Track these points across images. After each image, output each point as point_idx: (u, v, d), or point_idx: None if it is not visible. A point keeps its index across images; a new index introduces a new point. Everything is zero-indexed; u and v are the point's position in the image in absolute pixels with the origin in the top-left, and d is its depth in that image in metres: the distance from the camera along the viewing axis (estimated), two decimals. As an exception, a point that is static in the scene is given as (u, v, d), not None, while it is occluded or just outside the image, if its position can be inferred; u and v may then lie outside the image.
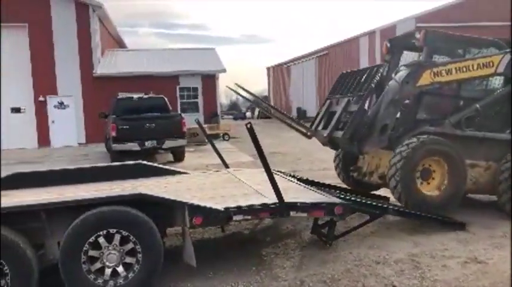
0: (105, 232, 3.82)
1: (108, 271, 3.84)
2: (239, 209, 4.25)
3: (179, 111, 17.58)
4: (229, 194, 4.85)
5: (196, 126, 14.24)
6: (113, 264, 3.85)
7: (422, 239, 5.14)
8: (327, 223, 5.05)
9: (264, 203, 4.39)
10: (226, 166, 6.76)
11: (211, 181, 5.88)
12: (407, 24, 22.31)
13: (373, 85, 5.86)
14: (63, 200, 3.95)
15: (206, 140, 16.84)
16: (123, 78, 20.40)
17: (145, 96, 14.61)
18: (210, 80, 21.74)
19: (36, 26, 20.07)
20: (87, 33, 20.57)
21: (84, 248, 3.76)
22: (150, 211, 3.98)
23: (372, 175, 6.35)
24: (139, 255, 3.88)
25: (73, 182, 5.61)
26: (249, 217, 4.38)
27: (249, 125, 4.09)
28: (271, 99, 40.57)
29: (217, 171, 6.89)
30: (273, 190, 4.29)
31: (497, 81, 6.31)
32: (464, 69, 5.74)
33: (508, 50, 5.97)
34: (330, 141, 6.15)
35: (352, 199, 5.17)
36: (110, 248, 3.84)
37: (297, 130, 6.48)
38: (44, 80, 20.11)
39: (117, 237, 3.85)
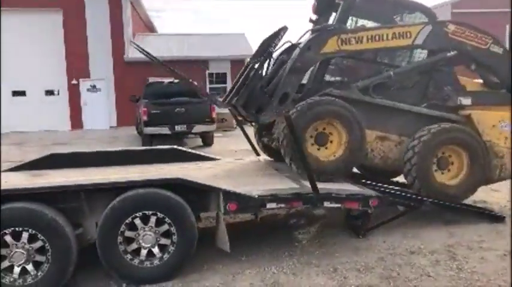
0: (141, 213, 3.87)
1: (143, 252, 3.91)
2: (273, 197, 4.25)
3: (208, 97, 17.61)
4: (261, 182, 4.85)
5: (225, 111, 14.40)
6: (148, 245, 3.91)
7: (458, 230, 5.03)
8: (360, 214, 4.99)
9: (298, 192, 4.37)
10: (257, 154, 6.75)
11: (243, 167, 5.89)
12: (443, 10, 21.65)
13: (271, 49, 5.18)
14: (103, 181, 4.02)
15: (235, 126, 17.03)
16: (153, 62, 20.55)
17: (176, 81, 14.71)
18: (239, 65, 21.69)
19: (70, 11, 20.41)
20: (119, 18, 20.81)
21: (121, 229, 3.83)
22: (186, 195, 4.02)
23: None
24: (174, 237, 3.93)
25: (108, 164, 5.71)
26: (283, 205, 4.37)
27: (286, 113, 4.05)
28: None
29: (247, 158, 6.89)
30: (307, 179, 4.26)
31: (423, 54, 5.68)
32: (377, 38, 5.08)
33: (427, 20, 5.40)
34: (231, 110, 5.69)
35: (387, 190, 5.09)
36: (146, 229, 3.90)
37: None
38: (77, 64, 20.50)
39: (153, 219, 3.90)
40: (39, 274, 3.64)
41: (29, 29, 20.53)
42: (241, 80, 5.26)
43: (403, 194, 5.16)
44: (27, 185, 4.01)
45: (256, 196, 4.17)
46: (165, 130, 12.88)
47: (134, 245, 3.89)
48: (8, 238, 3.58)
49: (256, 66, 5.04)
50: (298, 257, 4.37)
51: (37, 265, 3.66)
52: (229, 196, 4.11)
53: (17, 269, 3.63)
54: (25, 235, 3.61)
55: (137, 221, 3.88)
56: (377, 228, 5.01)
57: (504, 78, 5.44)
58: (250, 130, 6.55)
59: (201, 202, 4.27)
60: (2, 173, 5.54)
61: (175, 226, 3.93)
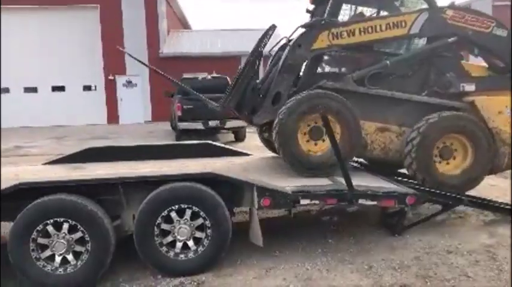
0: (177, 206, 3.93)
1: (179, 245, 3.97)
2: (307, 193, 4.23)
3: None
4: (295, 178, 4.82)
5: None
6: (183, 238, 3.96)
7: (498, 230, 4.87)
8: (396, 212, 4.91)
9: (333, 189, 4.33)
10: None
11: (276, 163, 5.87)
12: (483, 4, 20.93)
13: (261, 49, 5.13)
14: (140, 175, 4.11)
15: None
16: (188, 58, 20.85)
17: (209, 76, 14.83)
18: (272, 60, 21.66)
19: (107, 7, 20.88)
20: (155, 14, 21.14)
21: (157, 222, 3.90)
22: (220, 189, 4.05)
23: None
24: (209, 230, 3.97)
25: (143, 158, 5.81)
26: (317, 202, 4.34)
27: (321, 111, 4.01)
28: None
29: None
30: (342, 177, 4.21)
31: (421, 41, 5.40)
32: (370, 30, 4.88)
33: (424, 7, 5.09)
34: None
35: (423, 188, 4.96)
36: (181, 222, 3.95)
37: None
38: (113, 60, 20.96)
39: (188, 212, 3.96)
40: (78, 263, 3.76)
41: (67, 26, 21.14)
42: (233, 82, 5.22)
43: (441, 192, 5.02)
44: (68, 177, 4.12)
45: (290, 192, 4.16)
46: (198, 125, 13.00)
47: (170, 238, 3.96)
48: (50, 228, 3.71)
49: (246, 67, 5.02)
50: (332, 254, 4.34)
51: (77, 255, 3.78)
52: (262, 191, 4.12)
53: (58, 259, 3.75)
54: (66, 226, 3.73)
55: (173, 214, 3.94)
56: (413, 226, 4.91)
57: (509, 62, 5.15)
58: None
59: (235, 196, 4.29)
60: (43, 166, 5.75)
61: (210, 219, 3.97)
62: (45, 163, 5.88)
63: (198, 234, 3.99)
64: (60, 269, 3.74)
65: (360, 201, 4.31)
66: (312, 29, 4.91)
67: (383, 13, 5.60)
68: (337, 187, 4.36)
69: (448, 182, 4.87)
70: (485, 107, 5.03)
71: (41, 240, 3.71)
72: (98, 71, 21.39)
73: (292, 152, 4.68)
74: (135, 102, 21.25)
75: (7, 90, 21.57)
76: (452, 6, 5.11)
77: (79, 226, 3.73)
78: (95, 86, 21.85)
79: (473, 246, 4.45)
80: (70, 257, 3.76)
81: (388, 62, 4.99)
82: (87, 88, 21.94)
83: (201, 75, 14.71)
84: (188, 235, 3.97)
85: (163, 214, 3.91)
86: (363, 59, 5.17)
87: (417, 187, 4.84)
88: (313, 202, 4.27)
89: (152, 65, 22.36)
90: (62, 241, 3.72)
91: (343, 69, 5.27)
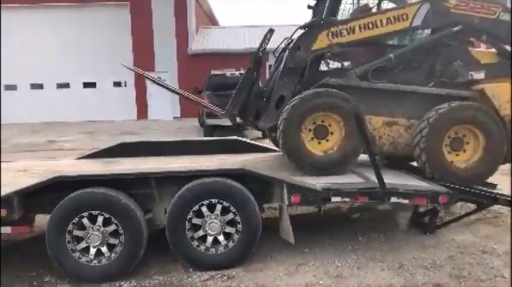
0: (207, 201, 3.97)
1: (209, 239, 4.01)
2: (338, 191, 4.20)
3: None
4: (325, 175, 4.78)
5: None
6: (214, 232, 4.00)
7: (535, 231, 4.73)
8: (428, 211, 4.82)
9: (365, 187, 4.28)
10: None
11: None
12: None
13: (259, 54, 5.09)
14: (173, 170, 4.17)
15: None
16: (216, 54, 20.95)
17: (237, 73, 14.88)
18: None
19: (137, 4, 21.19)
20: (184, 11, 21.33)
21: (189, 216, 3.95)
22: (250, 185, 4.08)
23: None
24: (239, 225, 4.00)
25: (173, 153, 5.89)
26: (347, 200, 4.30)
27: (354, 107, 3.97)
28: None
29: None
30: (374, 174, 4.17)
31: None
32: (371, 25, 4.77)
33: None
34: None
35: (458, 187, 4.84)
36: (212, 217, 3.99)
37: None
38: (142, 56, 21.26)
39: (219, 207, 3.99)
40: (112, 255, 3.85)
41: (98, 23, 21.56)
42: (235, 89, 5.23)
43: (475, 191, 4.90)
44: (103, 171, 4.23)
45: (320, 189, 4.14)
46: (226, 121, 13.03)
47: (201, 232, 4.00)
48: (85, 221, 3.81)
49: (246, 72, 5.01)
50: (362, 252, 4.31)
51: (111, 247, 3.87)
52: (292, 188, 4.11)
53: (92, 250, 3.85)
54: (100, 219, 3.82)
55: (204, 209, 3.98)
56: (446, 226, 4.82)
57: None
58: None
59: (265, 193, 4.29)
60: (77, 160, 5.91)
61: (240, 215, 3.99)
62: (79, 158, 6.04)
63: (229, 229, 4.03)
64: (95, 261, 3.83)
65: (392, 199, 4.25)
66: (310, 30, 4.86)
67: (387, 4, 5.49)
68: (368, 184, 4.31)
69: (459, 173, 4.69)
70: (496, 95, 4.84)
71: (76, 232, 3.82)
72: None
73: (295, 151, 4.63)
74: (164, 99, 21.48)
75: (41, 86, 22.20)
76: None
77: (113, 219, 3.82)
78: (125, 82, 22.23)
79: (510, 247, 4.33)
80: (104, 249, 3.85)
81: (391, 55, 4.87)
82: (117, 84, 22.35)
83: (229, 72, 14.78)
84: (219, 229, 4.01)
85: (194, 208, 3.96)
86: (366, 53, 5.07)
87: (452, 185, 4.73)
88: (343, 199, 4.24)
89: (181, 62, 22.54)
90: (96, 233, 3.82)
91: (346, 65, 5.20)
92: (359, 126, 4.16)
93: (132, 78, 21.83)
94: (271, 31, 5.11)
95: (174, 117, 21.56)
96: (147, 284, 3.74)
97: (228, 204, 3.99)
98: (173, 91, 5.88)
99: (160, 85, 5.81)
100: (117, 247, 3.85)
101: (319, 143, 4.72)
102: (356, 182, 4.45)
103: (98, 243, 3.83)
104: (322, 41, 4.79)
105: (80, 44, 21.38)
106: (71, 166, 5.38)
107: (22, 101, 21.43)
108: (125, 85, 22.26)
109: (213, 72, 15.84)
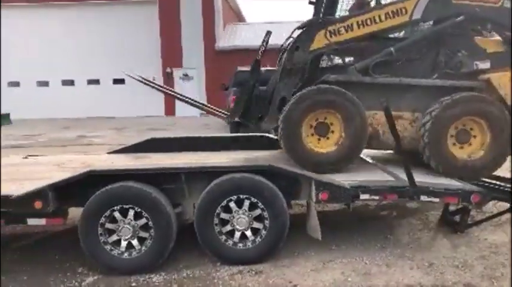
0: (235, 197, 4.01)
1: (237, 234, 4.04)
2: (366, 189, 4.15)
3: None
4: (354, 172, 4.74)
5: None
6: (242, 228, 4.03)
7: None
8: (459, 209, 4.73)
9: (394, 185, 4.23)
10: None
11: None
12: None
13: (258, 57, 5.03)
14: (202, 165, 4.23)
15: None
16: (243, 51, 20.97)
17: (263, 69, 14.87)
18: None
19: (165, 3, 21.44)
20: (211, 8, 21.46)
21: (217, 211, 4.00)
22: (278, 181, 4.08)
23: None
24: (267, 221, 4.01)
25: (201, 149, 5.95)
26: (376, 198, 4.26)
27: (384, 104, 3.93)
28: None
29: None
30: (404, 172, 4.11)
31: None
32: (369, 22, 4.65)
33: None
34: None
35: (491, 186, 4.74)
36: (239, 212, 4.02)
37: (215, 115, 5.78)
38: (170, 53, 21.55)
39: (247, 203, 4.01)
40: (142, 248, 3.92)
41: (127, 20, 21.93)
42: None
43: (509, 189, 4.78)
44: (135, 166, 4.31)
45: (349, 187, 4.12)
46: (253, 118, 13.09)
47: (229, 227, 4.04)
48: (117, 214, 3.90)
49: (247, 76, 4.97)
50: (391, 250, 4.27)
51: (141, 240, 3.94)
52: (321, 185, 4.10)
53: (123, 243, 3.93)
54: (131, 212, 3.90)
55: (232, 204, 4.01)
56: (478, 225, 4.72)
57: None
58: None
59: (292, 189, 4.29)
60: (108, 155, 6.04)
61: (268, 210, 4.01)
62: (110, 152, 6.18)
63: (256, 225, 4.04)
64: (126, 254, 3.92)
65: (422, 198, 4.18)
66: (307, 30, 4.81)
67: None
68: (398, 182, 4.26)
69: (465, 166, 4.55)
70: (502, 84, 4.67)
71: (108, 225, 3.91)
72: (155, 64, 22.04)
73: (295, 148, 4.57)
74: (191, 95, 21.51)
75: (72, 83, 22.75)
76: None
77: (144, 213, 3.89)
78: (153, 79, 22.54)
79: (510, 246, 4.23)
80: (135, 242, 3.93)
81: (392, 49, 4.73)
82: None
83: (264, 68, 14.77)
84: (246, 225, 4.03)
85: (222, 203, 4.00)
86: (367, 48, 4.89)
87: (485, 184, 4.63)
88: (372, 197, 4.20)
89: (208, 59, 22.74)
90: (127, 226, 3.90)
91: (347, 61, 5.06)
92: (389, 123, 4.10)
93: (160, 76, 22.13)
94: (268, 33, 5.07)
95: (200, 114, 21.71)
96: (176, 277, 3.80)
97: (256, 200, 4.01)
98: (171, 95, 5.92)
99: (160, 89, 5.88)
100: (148, 240, 3.92)
101: (320, 140, 4.65)
102: (385, 179, 4.41)
103: (129, 236, 3.91)
104: (320, 40, 4.72)
105: (110, 41, 21.80)
106: (102, 161, 5.52)
107: (54, 97, 22.02)
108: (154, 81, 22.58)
109: (240, 68, 15.90)
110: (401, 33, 5.05)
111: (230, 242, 4.03)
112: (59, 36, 21.93)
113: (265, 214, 4.01)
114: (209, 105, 6.05)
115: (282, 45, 5.36)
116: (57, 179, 3.93)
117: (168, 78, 21.98)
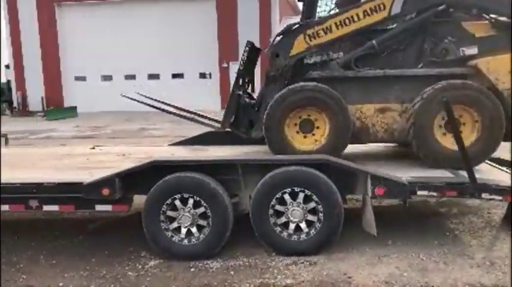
0: (290, 189, 4.07)
1: (292, 226, 4.11)
2: (425, 185, 4.09)
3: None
4: (411, 168, 4.66)
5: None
6: (296, 220, 4.09)
7: None
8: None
9: (453, 182, 4.13)
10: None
11: (390, 153, 5.74)
12: None
13: (240, 67, 5.07)
14: (259, 158, 4.35)
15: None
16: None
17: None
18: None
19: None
20: (268, 2, 21.55)
21: (272, 203, 4.08)
22: (333, 175, 4.10)
23: None
24: (321, 214, 4.05)
25: (256, 143, 6.05)
26: (435, 194, 4.18)
27: (445, 99, 3.84)
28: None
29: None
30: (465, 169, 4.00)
31: None
32: (348, 21, 4.62)
33: None
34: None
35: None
36: (294, 204, 4.08)
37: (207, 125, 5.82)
38: (227, 48, 21.88)
39: (301, 195, 4.06)
40: (201, 236, 4.10)
41: (185, 16, 22.49)
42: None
43: None
44: (195, 158, 4.49)
45: (407, 183, 4.06)
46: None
47: (283, 219, 4.11)
48: (177, 203, 4.09)
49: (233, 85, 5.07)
50: (449, 247, 4.17)
51: (200, 228, 4.11)
52: (377, 180, 4.07)
53: (183, 230, 4.12)
54: (191, 201, 4.08)
55: (286, 197, 4.08)
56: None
57: (510, 16, 4.45)
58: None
59: (347, 183, 4.28)
60: (169, 147, 6.30)
61: (322, 204, 4.04)
62: (170, 144, 6.44)
63: (311, 217, 4.09)
64: (185, 240, 4.11)
65: (483, 195, 4.05)
66: (286, 36, 4.82)
67: None
68: (457, 179, 4.15)
69: (453, 156, 4.33)
70: (491, 69, 4.46)
71: (169, 213, 4.11)
72: (212, 59, 22.48)
73: (279, 146, 4.64)
74: (247, 88, 22.03)
75: (133, 77, 23.70)
76: None
77: (202, 202, 4.05)
78: (210, 74, 23.04)
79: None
80: (194, 229, 4.11)
81: (374, 42, 4.67)
82: (202, 76, 23.24)
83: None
84: (301, 217, 4.09)
85: (277, 195, 4.08)
86: (349, 42, 4.85)
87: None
88: (431, 193, 4.12)
89: (264, 53, 22.86)
90: (187, 214, 4.08)
91: (326, 57, 4.96)
92: (449, 117, 3.99)
93: (217, 71, 22.56)
94: (248, 43, 5.14)
95: (255, 108, 22.00)
96: (232, 265, 3.94)
97: (310, 193, 4.05)
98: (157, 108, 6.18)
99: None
100: (206, 228, 4.08)
101: (305, 137, 4.71)
102: (444, 176, 4.31)
103: (188, 224, 4.10)
104: (299, 44, 4.77)
105: (167, 36, 22.47)
106: (164, 152, 5.77)
107: (117, 90, 23.05)
108: (210, 77, 23.06)
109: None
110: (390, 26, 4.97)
111: (285, 233, 4.11)
112: (122, 33, 22.88)
113: (320, 207, 4.05)
114: (203, 113, 6.11)
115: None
116: (124, 169, 4.18)
117: (225, 72, 22.35)
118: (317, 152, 4.57)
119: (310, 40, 4.74)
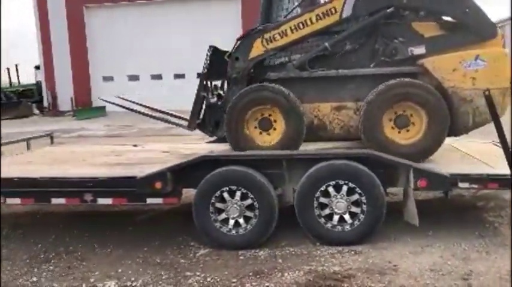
0: (334, 182, 4.23)
1: (335, 217, 4.27)
2: (466, 177, 4.21)
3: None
4: (452, 161, 4.77)
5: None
6: (340, 211, 4.25)
7: None
8: None
9: (495, 174, 4.23)
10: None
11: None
12: None
13: (203, 71, 5.23)
14: (303, 152, 4.54)
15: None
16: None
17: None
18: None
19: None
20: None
21: (316, 195, 4.25)
22: (375, 169, 4.25)
23: None
24: (364, 206, 4.20)
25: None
26: (476, 186, 4.29)
27: (487, 92, 3.94)
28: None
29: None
30: (506, 162, 4.07)
31: None
32: (302, 25, 4.82)
33: None
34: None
35: None
36: (338, 197, 4.24)
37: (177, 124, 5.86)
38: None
39: (345, 188, 4.22)
40: (248, 227, 4.30)
41: (211, 16, 22.78)
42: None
43: None
44: (243, 153, 4.68)
45: (448, 175, 4.18)
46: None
47: (327, 211, 4.28)
48: (226, 195, 4.30)
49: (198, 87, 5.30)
50: (490, 238, 4.28)
51: (247, 219, 4.31)
52: (420, 172, 4.19)
53: (231, 222, 4.33)
54: (238, 193, 4.28)
55: (330, 189, 4.25)
56: None
57: (457, 17, 4.64)
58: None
59: (390, 177, 4.41)
60: (206, 144, 6.51)
61: (365, 196, 4.19)
62: (208, 142, 6.65)
63: (354, 209, 4.24)
64: (233, 231, 4.31)
65: (526, 187, 4.14)
66: (245, 40, 5.03)
67: None
68: (498, 171, 4.24)
69: (400, 151, 4.53)
70: (437, 68, 4.62)
71: (218, 205, 4.32)
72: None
73: (239, 143, 4.86)
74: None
75: (160, 77, 24.10)
76: None
77: (249, 194, 4.26)
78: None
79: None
80: (241, 220, 4.31)
81: (327, 44, 4.85)
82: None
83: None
84: (344, 209, 4.25)
85: (321, 188, 4.25)
86: (305, 44, 5.04)
87: None
88: (472, 185, 4.24)
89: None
90: (235, 206, 4.29)
91: (287, 59, 5.16)
92: (491, 111, 4.09)
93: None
94: (210, 48, 5.34)
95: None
96: (279, 253, 4.13)
97: (354, 185, 4.20)
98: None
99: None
100: (252, 219, 4.28)
101: (262, 133, 4.91)
102: (484, 168, 4.41)
103: (236, 215, 4.30)
104: (258, 48, 4.97)
105: (195, 36, 22.77)
106: (203, 149, 5.98)
107: (143, 90, 23.49)
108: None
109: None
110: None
111: (329, 224, 4.27)
112: (148, 33, 23.29)
113: (363, 199, 4.20)
114: (176, 113, 6.24)
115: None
116: (175, 163, 4.41)
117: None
118: (274, 148, 4.80)
119: (268, 44, 4.97)
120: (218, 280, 3.68)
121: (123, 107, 6.38)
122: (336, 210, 4.27)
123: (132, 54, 23.40)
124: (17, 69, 25.48)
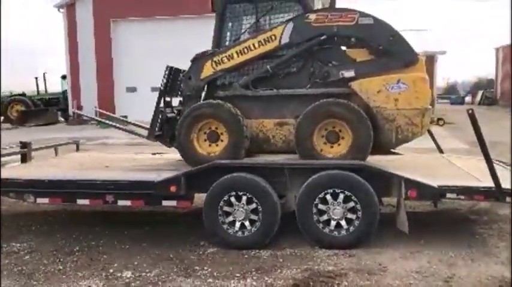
0: (331, 190, 4.63)
1: (333, 223, 4.65)
2: (453, 188, 4.56)
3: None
4: (442, 175, 5.12)
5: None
6: (337, 217, 4.63)
7: None
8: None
9: (479, 186, 4.57)
10: (441, 151, 6.88)
11: (426, 162, 6.19)
12: None
13: (161, 87, 5.71)
14: (302, 162, 4.96)
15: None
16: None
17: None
18: (428, 61, 20.96)
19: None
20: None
21: (315, 202, 4.65)
22: (370, 179, 4.62)
23: None
24: (359, 213, 4.58)
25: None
26: (462, 197, 4.64)
27: (470, 111, 4.30)
28: (498, 85, 36.48)
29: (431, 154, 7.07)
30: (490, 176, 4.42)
31: None
32: (246, 50, 5.35)
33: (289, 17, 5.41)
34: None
35: None
36: (335, 204, 4.63)
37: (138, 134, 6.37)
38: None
39: (341, 196, 4.61)
40: (253, 229, 4.71)
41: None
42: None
43: None
44: (250, 161, 5.11)
45: (436, 186, 4.54)
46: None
47: (325, 217, 4.67)
48: (233, 199, 4.73)
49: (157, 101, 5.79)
50: (478, 248, 4.59)
51: (252, 222, 4.73)
52: (410, 183, 4.57)
53: (237, 224, 4.76)
54: (244, 198, 4.71)
55: (328, 197, 4.64)
56: None
57: (383, 45, 5.09)
58: (434, 129, 6.73)
59: (384, 187, 4.77)
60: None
61: (360, 204, 4.57)
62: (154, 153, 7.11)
63: (350, 215, 4.62)
64: (239, 232, 4.74)
65: (508, 199, 4.46)
66: (197, 62, 5.56)
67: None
68: (484, 183, 4.57)
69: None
70: (363, 89, 5.09)
71: (226, 208, 4.76)
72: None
73: (190, 154, 5.38)
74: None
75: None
76: (314, 10, 5.37)
77: (254, 199, 4.68)
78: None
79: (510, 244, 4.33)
80: (247, 223, 4.73)
81: (268, 66, 5.36)
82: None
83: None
84: (341, 215, 4.63)
85: (320, 195, 4.65)
86: (251, 66, 5.51)
87: None
88: (459, 196, 4.59)
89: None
90: (241, 209, 4.72)
91: (234, 79, 5.61)
92: (474, 129, 4.43)
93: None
94: (167, 68, 5.83)
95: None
96: (280, 254, 4.53)
97: (349, 193, 4.59)
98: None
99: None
100: (257, 222, 4.70)
101: (210, 145, 5.42)
102: (471, 180, 4.77)
103: (242, 218, 4.73)
104: (207, 69, 5.51)
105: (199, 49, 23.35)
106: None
107: (143, 101, 24.12)
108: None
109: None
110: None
111: (327, 229, 4.66)
112: (169, 46, 23.99)
113: (358, 206, 4.58)
114: (138, 123, 6.94)
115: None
116: (189, 169, 4.88)
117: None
118: (219, 157, 5.25)
119: (216, 66, 5.51)
120: (223, 274, 4.10)
121: (87, 116, 7.15)
122: (333, 216, 4.65)
123: (155, 67, 24.04)
124: (44, 79, 26.44)
